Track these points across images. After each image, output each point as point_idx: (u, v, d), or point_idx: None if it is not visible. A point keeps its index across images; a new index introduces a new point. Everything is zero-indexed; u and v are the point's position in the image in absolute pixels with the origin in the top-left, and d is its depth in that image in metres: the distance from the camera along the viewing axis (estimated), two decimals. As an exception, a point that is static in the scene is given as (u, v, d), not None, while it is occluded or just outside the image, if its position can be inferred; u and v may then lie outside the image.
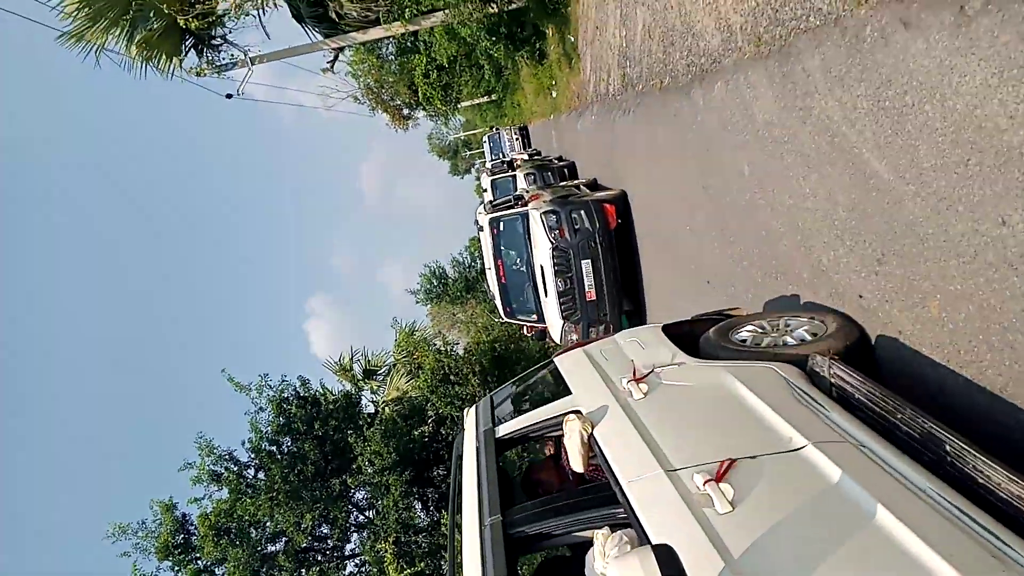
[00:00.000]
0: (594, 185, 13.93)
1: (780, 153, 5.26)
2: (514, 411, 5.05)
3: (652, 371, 4.20)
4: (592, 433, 3.77)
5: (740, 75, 5.95)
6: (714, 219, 7.08)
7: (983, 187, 3.21)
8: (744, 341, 4.72)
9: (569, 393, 4.46)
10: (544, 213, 10.46)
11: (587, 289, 10.28)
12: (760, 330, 4.84)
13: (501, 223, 12.36)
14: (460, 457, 4.74)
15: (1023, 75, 2.93)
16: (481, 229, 12.91)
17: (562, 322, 10.63)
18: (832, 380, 3.68)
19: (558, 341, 11.06)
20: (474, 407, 5.41)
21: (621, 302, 10.64)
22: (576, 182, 14.59)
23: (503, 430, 4.58)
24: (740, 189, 6.18)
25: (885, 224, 4.03)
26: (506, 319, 13.23)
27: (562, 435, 4.07)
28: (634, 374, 4.18)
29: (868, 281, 4.31)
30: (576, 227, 10.18)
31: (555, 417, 4.23)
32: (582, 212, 10.22)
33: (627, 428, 3.59)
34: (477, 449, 4.52)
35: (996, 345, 3.30)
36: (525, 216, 11.87)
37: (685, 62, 7.68)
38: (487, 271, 13.11)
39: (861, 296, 4.42)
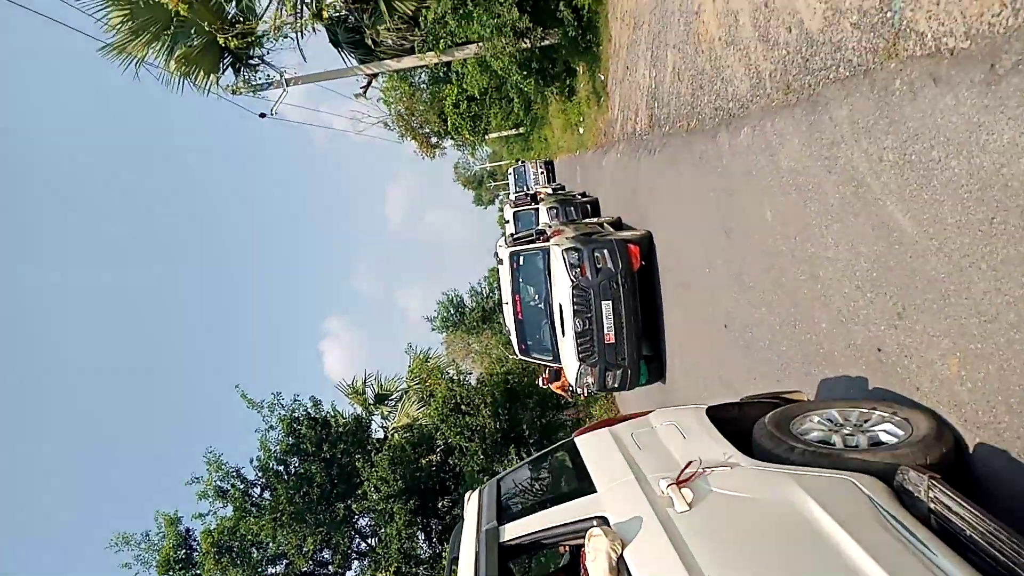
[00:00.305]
0: (618, 224, 13.67)
1: (804, 201, 5.24)
2: (525, 505, 4.43)
3: (698, 472, 3.51)
4: (622, 555, 3.13)
5: (767, 121, 5.96)
6: (734, 263, 7.05)
7: (1007, 247, 3.17)
8: (812, 438, 3.93)
9: (593, 490, 3.84)
10: (566, 250, 10.17)
11: (606, 332, 9.97)
12: (830, 423, 4.05)
13: (521, 257, 12.07)
14: (455, 560, 4.17)
15: (1052, 136, 2.90)
16: (500, 262, 12.61)
17: (578, 364, 10.30)
18: (932, 505, 2.94)
19: (572, 383, 10.73)
20: (476, 493, 4.81)
21: (641, 347, 10.31)
22: (600, 219, 14.32)
23: (510, 532, 3.94)
24: (762, 235, 6.16)
25: (907, 278, 3.98)
26: (520, 356, 12.79)
27: (582, 546, 3.41)
28: (678, 476, 3.49)
29: (887, 335, 4.25)
30: (598, 266, 9.92)
31: (576, 523, 3.62)
32: (605, 251, 9.95)
33: (668, 553, 2.93)
34: (476, 556, 3.86)
35: (1015, 407, 3.22)
36: (546, 252, 11.56)
37: (713, 106, 7.72)
38: (504, 305, 12.77)
39: (879, 350, 4.36)
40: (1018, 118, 3.08)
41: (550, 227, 13.09)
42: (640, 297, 10.18)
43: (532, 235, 12.87)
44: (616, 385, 10.47)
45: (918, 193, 3.81)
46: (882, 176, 4.16)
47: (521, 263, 12.02)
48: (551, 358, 11.94)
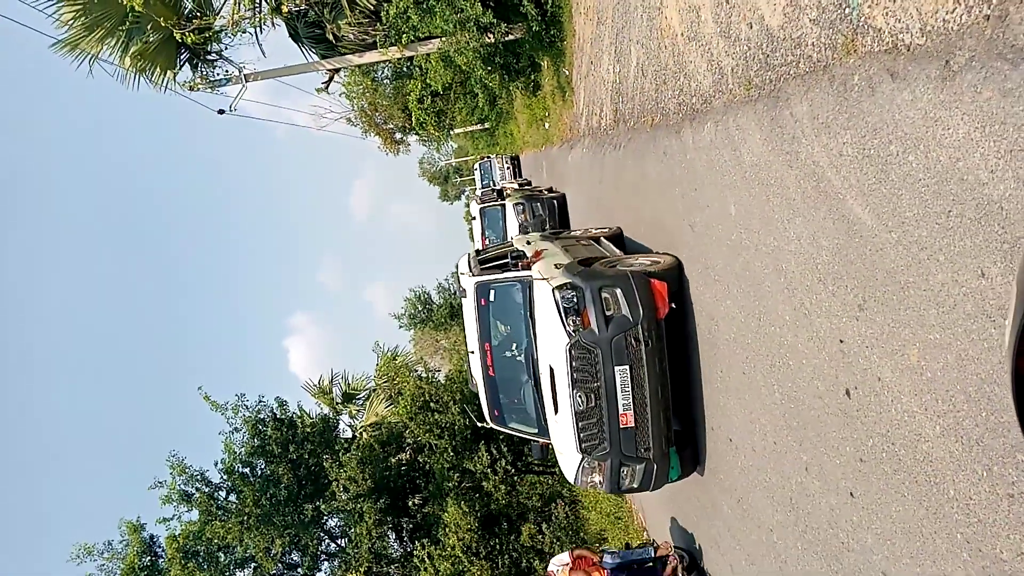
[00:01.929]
0: (620, 239, 10.77)
1: (766, 195, 5.30)
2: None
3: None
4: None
5: (730, 117, 6.02)
6: (699, 258, 7.12)
7: (963, 239, 3.24)
8: None
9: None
10: (559, 288, 7.32)
11: (622, 411, 7.18)
12: None
13: (492, 291, 8.91)
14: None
15: (1004, 130, 2.97)
16: (463, 293, 9.33)
17: (580, 457, 7.52)
18: None
19: (572, 481, 7.90)
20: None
21: (670, 427, 7.47)
22: (596, 232, 11.16)
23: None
24: (726, 229, 6.22)
25: (867, 270, 4.05)
26: (493, 426, 9.53)
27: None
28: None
29: (849, 326, 4.32)
30: (609, 314, 7.08)
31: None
32: (618, 291, 7.10)
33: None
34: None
35: (973, 396, 3.30)
36: (527, 286, 8.44)
37: (676, 101, 7.77)
38: (469, 354, 9.52)
39: (842, 341, 4.43)
40: (972, 113, 3.14)
41: (526, 244, 9.95)
42: (669, 354, 7.38)
43: (505, 256, 9.74)
44: (636, 485, 7.61)
45: (877, 187, 3.87)
46: (842, 170, 4.22)
47: (492, 299, 8.94)
48: (535, 431, 8.95)
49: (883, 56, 3.84)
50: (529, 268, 8.52)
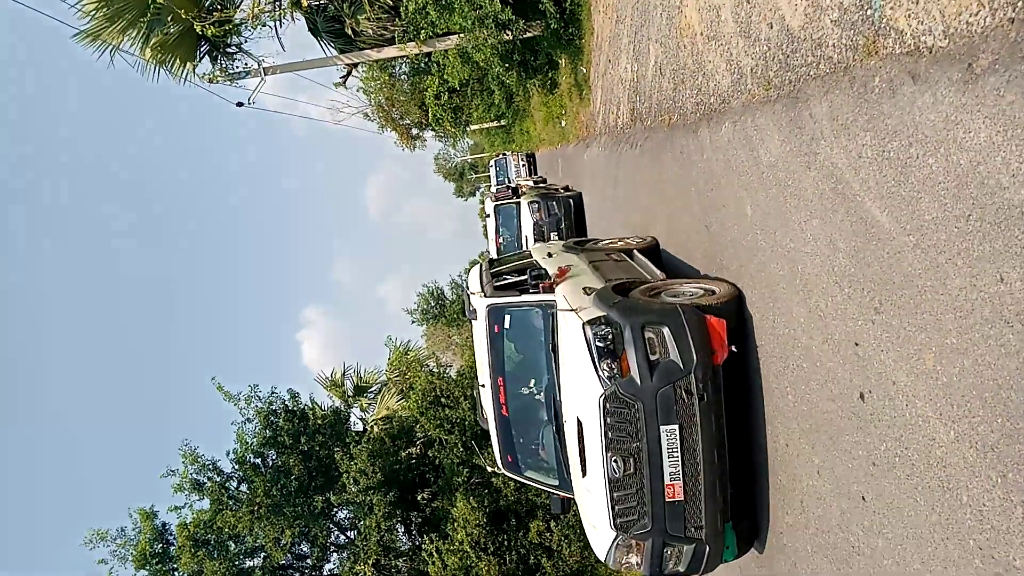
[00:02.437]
0: (655, 252, 9.22)
1: (783, 197, 5.28)
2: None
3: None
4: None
5: (748, 117, 5.99)
6: (714, 257, 7.09)
7: (983, 243, 3.22)
8: None
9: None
10: (592, 324, 6.01)
11: (668, 481, 5.86)
12: None
13: (507, 317, 7.59)
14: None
15: (1027, 135, 2.94)
16: (473, 314, 7.92)
17: (614, 534, 6.18)
18: None
19: (603, 559, 6.60)
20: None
21: (727, 498, 6.05)
22: (628, 242, 9.65)
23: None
24: (742, 230, 6.20)
25: (884, 273, 4.03)
26: (505, 473, 8.32)
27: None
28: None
29: (865, 329, 4.30)
30: (654, 359, 5.74)
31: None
32: (666, 330, 5.75)
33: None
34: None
35: (989, 401, 3.28)
36: (550, 314, 7.15)
37: (694, 100, 7.75)
38: (480, 388, 8.21)
39: (857, 344, 4.41)
40: (994, 116, 3.12)
41: (549, 256, 8.61)
42: (727, 408, 5.93)
43: (524, 275, 8.21)
44: (682, 569, 6.26)
45: (896, 190, 3.85)
46: (861, 172, 4.19)
47: (508, 326, 7.60)
48: (555, 483, 7.62)
49: (904, 58, 3.81)
50: (552, 290, 7.18)
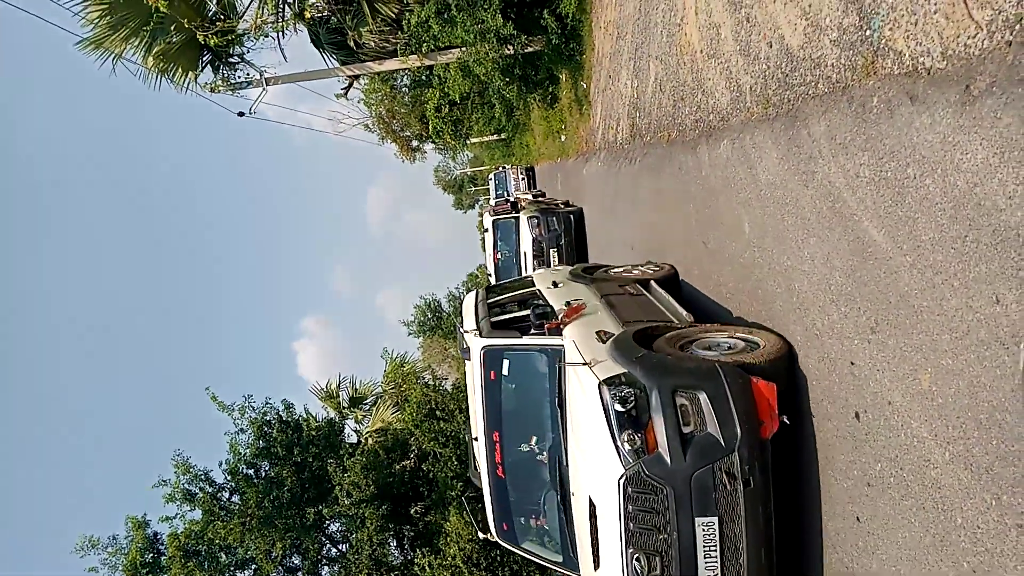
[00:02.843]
0: (674, 283, 8.20)
1: (781, 215, 5.29)
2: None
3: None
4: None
5: (747, 135, 6.02)
6: (711, 274, 7.10)
7: (979, 264, 3.22)
8: None
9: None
10: (610, 384, 5.03)
11: None
12: None
13: (506, 361, 6.51)
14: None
15: (1023, 157, 2.95)
16: (467, 353, 6.93)
17: None
18: None
19: None
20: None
21: None
22: (642, 271, 8.53)
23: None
24: (740, 247, 6.20)
25: (880, 293, 4.03)
26: (499, 541, 7.04)
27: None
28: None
29: (860, 348, 4.29)
30: (687, 431, 4.74)
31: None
32: (703, 397, 4.73)
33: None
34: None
35: (984, 423, 3.27)
36: (556, 360, 6.02)
37: (694, 117, 7.78)
38: (472, 441, 7.33)
39: (852, 363, 4.40)
40: (991, 138, 3.13)
41: (555, 287, 7.54)
42: (774, 489, 4.85)
43: (525, 301, 7.53)
44: None
45: (893, 210, 3.86)
46: (858, 192, 4.20)
47: (506, 372, 6.53)
48: (559, 559, 6.34)
49: (903, 79, 3.83)
50: (559, 331, 6.16)
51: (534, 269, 16.22)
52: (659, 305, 7.06)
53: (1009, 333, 3.07)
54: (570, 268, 9.14)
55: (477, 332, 6.81)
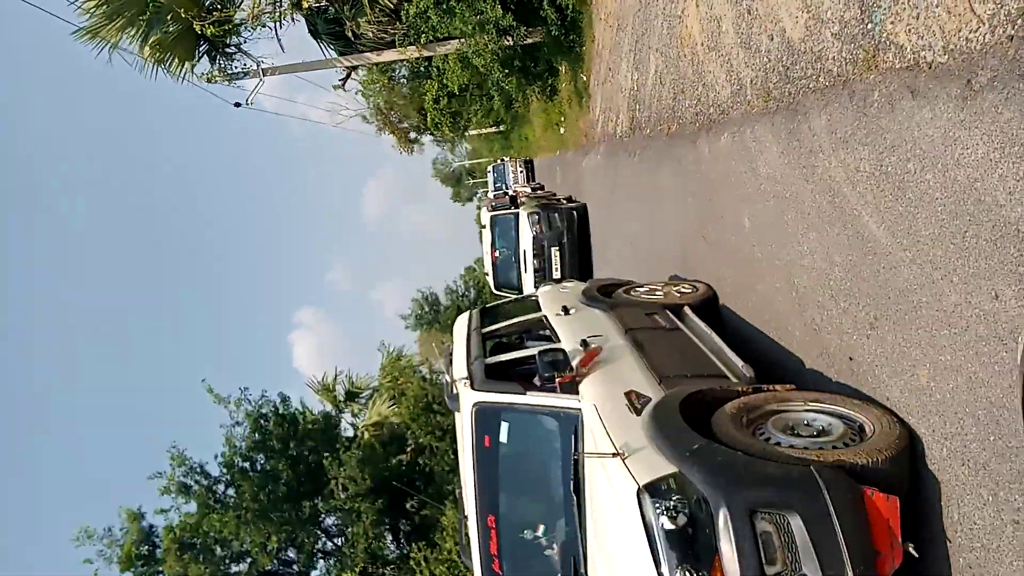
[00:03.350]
0: (712, 308, 6.70)
1: (781, 209, 5.26)
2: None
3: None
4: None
5: (747, 128, 5.99)
6: (711, 268, 7.08)
7: (978, 260, 3.20)
8: None
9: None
10: (653, 492, 3.66)
11: None
12: None
13: (506, 425, 5.10)
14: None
15: (1023, 152, 2.93)
16: (454, 403, 5.70)
17: None
18: None
19: None
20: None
21: None
22: (672, 292, 7.02)
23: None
24: (739, 241, 6.18)
25: (880, 288, 4.01)
26: None
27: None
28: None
29: (860, 344, 4.28)
30: (774, 574, 3.33)
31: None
32: (796, 522, 3.34)
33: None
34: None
35: (982, 419, 3.26)
36: (572, 427, 4.64)
37: (694, 110, 7.74)
38: (462, 519, 5.98)
39: (851, 358, 4.39)
40: (992, 133, 3.11)
41: (565, 313, 6.24)
42: None
43: (529, 331, 6.64)
44: None
45: (893, 205, 3.84)
46: (858, 186, 4.18)
47: (505, 437, 5.11)
48: None
49: (904, 73, 3.80)
50: (574, 387, 4.74)
51: (534, 269, 15.27)
52: (702, 347, 5.54)
53: (1008, 329, 3.06)
54: (583, 286, 7.74)
55: (467, 381, 5.38)
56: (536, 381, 5.11)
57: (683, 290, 7.02)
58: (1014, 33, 3.06)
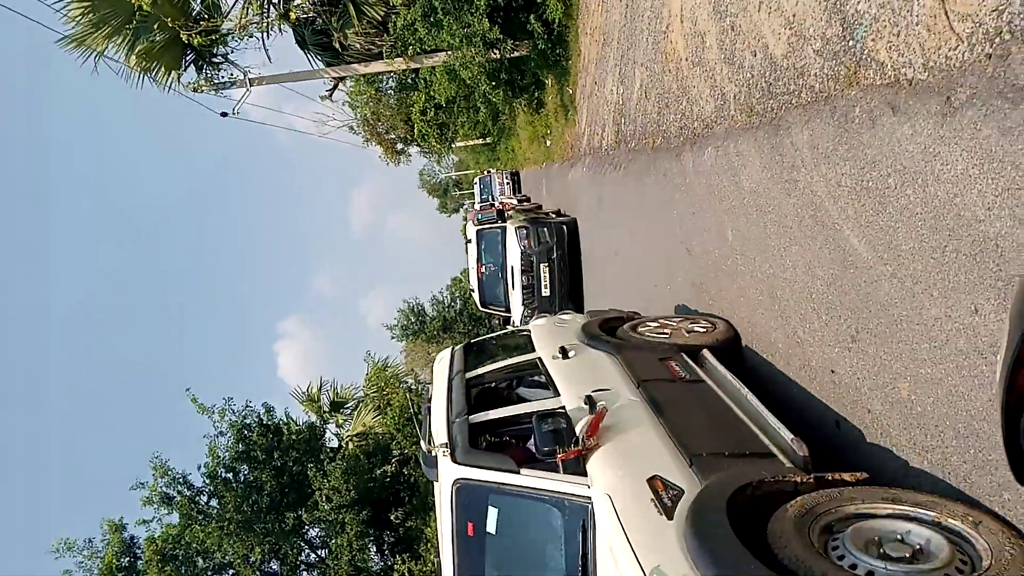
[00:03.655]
0: (735, 351, 5.75)
1: (764, 223, 5.31)
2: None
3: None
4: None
5: (730, 143, 6.04)
6: (694, 281, 7.11)
7: (958, 274, 3.24)
8: None
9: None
10: None
11: None
12: None
13: (494, 511, 4.17)
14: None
15: (1002, 168, 2.98)
16: (432, 471, 4.79)
17: None
18: None
19: None
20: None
21: None
22: (685, 332, 5.99)
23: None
24: (722, 254, 6.22)
25: (861, 302, 4.05)
26: None
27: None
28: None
29: (841, 357, 4.31)
30: None
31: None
32: None
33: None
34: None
35: (962, 432, 3.28)
36: (583, 521, 3.67)
37: (678, 124, 7.80)
38: None
39: (833, 371, 4.42)
40: (971, 149, 3.15)
41: (565, 356, 5.49)
42: None
43: (521, 379, 5.93)
44: None
45: (874, 219, 3.88)
46: (839, 201, 4.23)
47: (493, 529, 4.19)
48: None
49: (885, 89, 3.86)
50: (580, 466, 3.86)
51: (522, 286, 14.44)
52: (735, 409, 4.51)
53: (987, 343, 3.09)
54: (582, 319, 6.77)
55: (447, 449, 4.49)
56: (531, 445, 4.35)
57: (699, 328, 5.98)
58: (992, 51, 3.11)
